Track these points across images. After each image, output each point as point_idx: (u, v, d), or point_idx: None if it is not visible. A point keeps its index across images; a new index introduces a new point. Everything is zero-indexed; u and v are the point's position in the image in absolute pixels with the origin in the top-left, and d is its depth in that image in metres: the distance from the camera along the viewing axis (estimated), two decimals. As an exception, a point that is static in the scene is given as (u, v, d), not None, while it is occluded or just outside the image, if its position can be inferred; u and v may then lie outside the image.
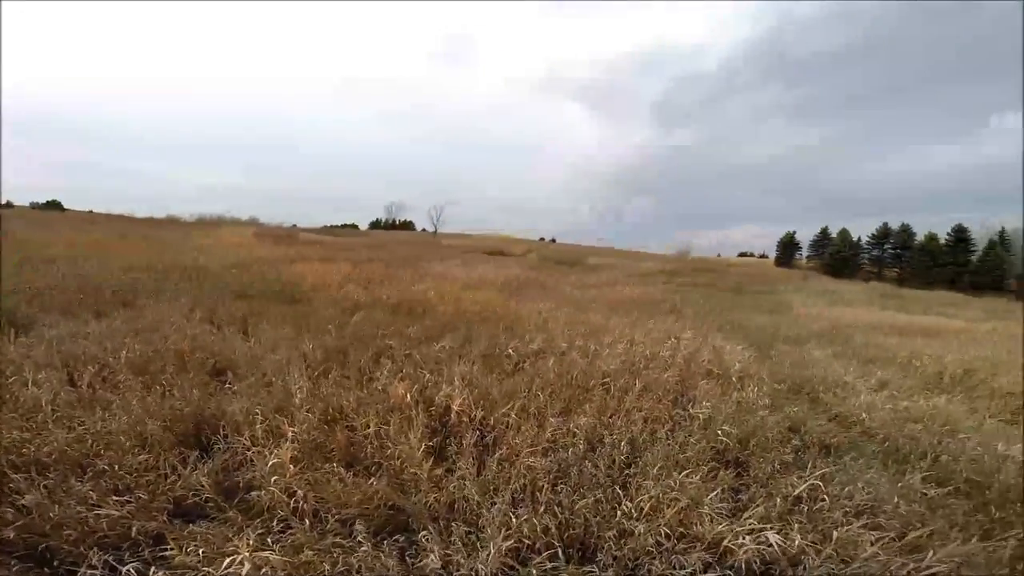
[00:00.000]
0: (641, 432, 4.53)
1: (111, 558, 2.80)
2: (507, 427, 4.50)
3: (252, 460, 3.75)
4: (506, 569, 2.90)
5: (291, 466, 3.54)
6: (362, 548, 2.91)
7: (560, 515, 3.34)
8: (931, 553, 3.00)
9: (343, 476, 3.60)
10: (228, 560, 2.67)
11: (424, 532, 3.11)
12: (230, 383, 5.15)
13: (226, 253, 17.73)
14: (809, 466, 4.09)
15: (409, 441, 3.95)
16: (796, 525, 3.26)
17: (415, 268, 19.35)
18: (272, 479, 3.43)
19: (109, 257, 13.87)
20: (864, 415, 5.76)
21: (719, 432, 4.59)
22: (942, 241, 62.25)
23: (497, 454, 4.06)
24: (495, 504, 3.38)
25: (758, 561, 3.00)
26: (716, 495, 3.53)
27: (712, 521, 3.25)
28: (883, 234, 67.60)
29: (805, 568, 2.96)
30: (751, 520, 3.27)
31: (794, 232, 75.96)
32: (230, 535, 2.93)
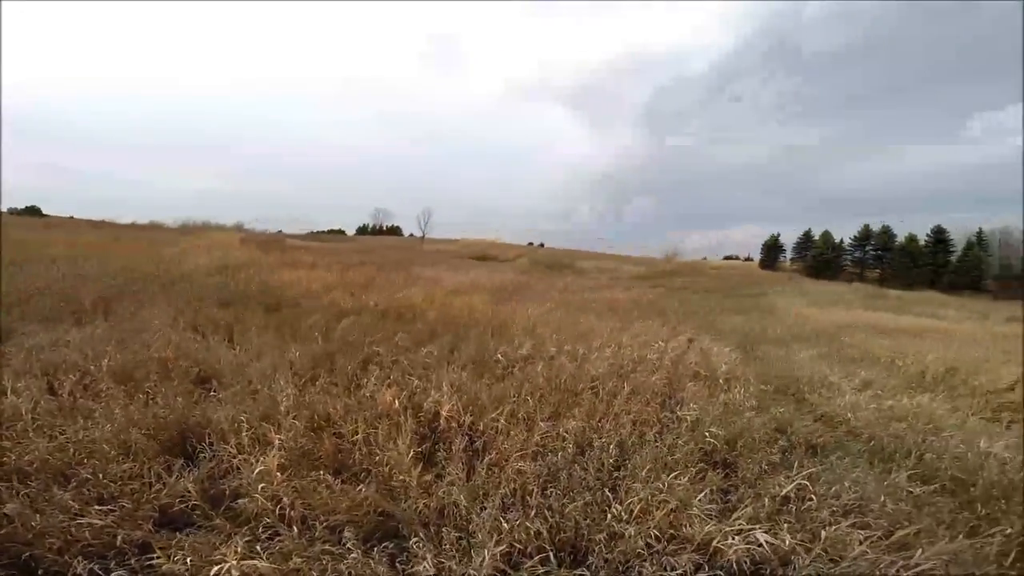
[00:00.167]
0: (630, 435, 4.54)
1: (97, 567, 2.75)
2: (496, 432, 4.48)
3: (239, 468, 3.71)
4: (498, 574, 2.88)
5: (278, 474, 3.51)
6: (351, 555, 2.88)
7: (550, 519, 3.33)
8: (919, 551, 3.03)
9: (331, 483, 3.57)
10: (215, 568, 2.64)
11: (415, 539, 3.09)
12: (215, 391, 5.09)
13: (210, 259, 17.52)
14: (796, 466, 4.13)
15: (397, 447, 3.92)
16: (785, 525, 3.28)
17: (402, 274, 19.27)
18: (259, 487, 3.39)
19: (92, 262, 13.67)
20: (849, 415, 5.83)
21: (707, 434, 4.62)
22: (922, 242, 63.40)
23: (487, 459, 4.05)
24: (485, 509, 3.36)
25: (748, 562, 3.02)
26: (705, 496, 3.55)
27: (701, 522, 3.26)
28: (864, 236, 68.69)
29: (795, 568, 2.98)
30: (740, 520, 3.29)
31: (778, 235, 76.92)
32: (217, 543, 2.90)
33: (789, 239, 75.84)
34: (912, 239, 64.32)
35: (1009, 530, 3.43)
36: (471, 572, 2.82)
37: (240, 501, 3.39)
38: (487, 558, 2.84)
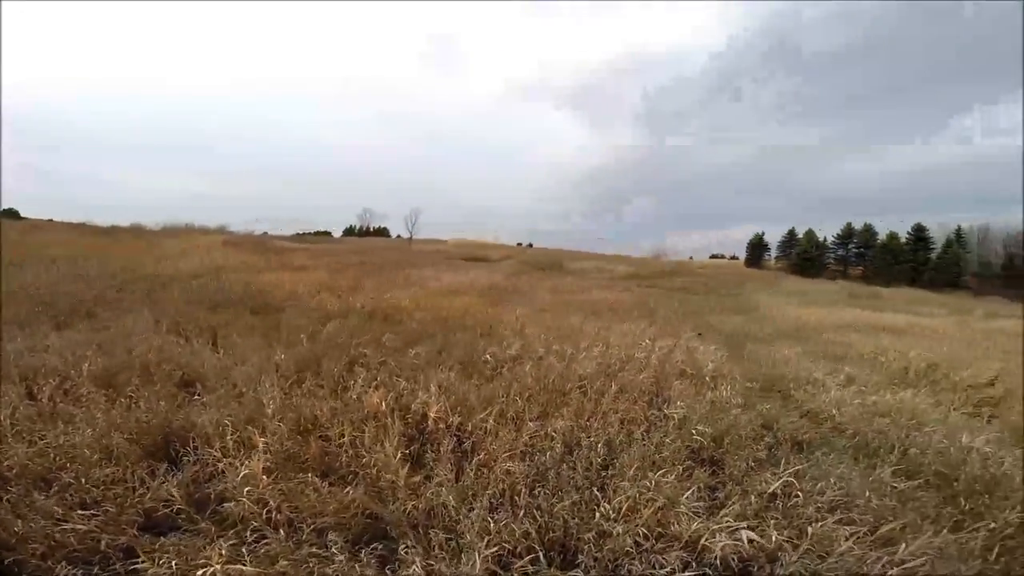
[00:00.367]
0: (618, 433, 4.55)
1: (81, 572, 2.75)
2: (485, 432, 4.47)
3: (224, 472, 3.68)
4: (489, 574, 2.87)
5: (263, 477, 3.48)
6: (339, 558, 2.86)
7: (540, 519, 3.33)
8: (904, 546, 3.07)
9: (318, 486, 3.53)
10: (200, 572, 2.62)
11: (404, 541, 3.08)
12: (199, 395, 5.02)
13: (194, 262, 17.31)
14: (783, 463, 4.16)
15: (384, 449, 3.89)
16: (772, 522, 3.31)
17: (390, 275, 19.18)
18: (244, 490, 3.37)
19: (73, 265, 13.45)
20: (834, 411, 5.88)
21: (694, 431, 4.64)
22: (903, 240, 64.41)
23: (475, 459, 4.03)
24: (473, 510, 3.35)
25: (735, 559, 3.03)
26: (692, 494, 3.56)
27: (689, 520, 3.28)
28: (847, 234, 69.66)
29: (782, 564, 3.00)
30: (727, 518, 3.31)
31: (762, 233, 77.65)
32: (202, 547, 2.89)
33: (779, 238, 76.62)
34: (893, 237, 65.34)
35: (993, 525, 3.48)
36: (461, 574, 2.81)
37: (226, 505, 3.36)
38: (478, 563, 2.83)
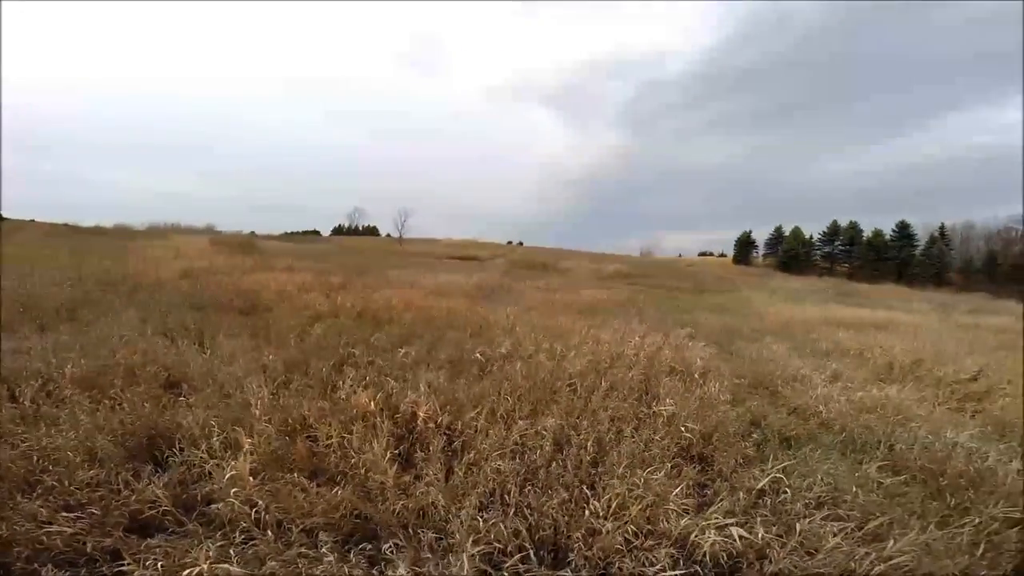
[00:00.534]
0: (607, 431, 4.55)
1: (67, 574, 2.74)
2: (475, 431, 4.46)
3: (210, 473, 3.64)
4: (479, 574, 2.86)
5: (250, 478, 3.45)
6: (328, 558, 2.85)
7: (530, 517, 3.33)
8: (891, 542, 3.09)
9: (306, 486, 3.51)
10: (187, 572, 2.60)
11: (392, 540, 3.07)
12: (185, 396, 4.96)
13: (180, 262, 17.11)
14: (771, 459, 4.18)
15: (373, 449, 3.87)
16: (760, 518, 3.33)
17: (379, 275, 19.09)
18: (231, 491, 3.33)
19: (55, 266, 13.23)
20: (821, 407, 5.93)
21: (683, 428, 4.65)
22: (887, 237, 65.27)
23: (465, 458, 4.02)
24: (463, 509, 3.34)
25: (725, 555, 3.05)
26: (681, 491, 3.57)
27: (678, 517, 3.29)
28: (833, 231, 70.44)
29: (771, 561, 3.01)
30: (716, 515, 3.32)
31: (750, 231, 78.30)
32: (189, 548, 2.87)
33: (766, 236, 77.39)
34: (878, 234, 66.25)
35: (978, 520, 3.52)
36: (450, 573, 2.80)
37: (213, 506, 3.33)
38: (465, 563, 2.82)
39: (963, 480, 4.22)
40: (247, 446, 3.79)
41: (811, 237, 72.23)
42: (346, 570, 2.81)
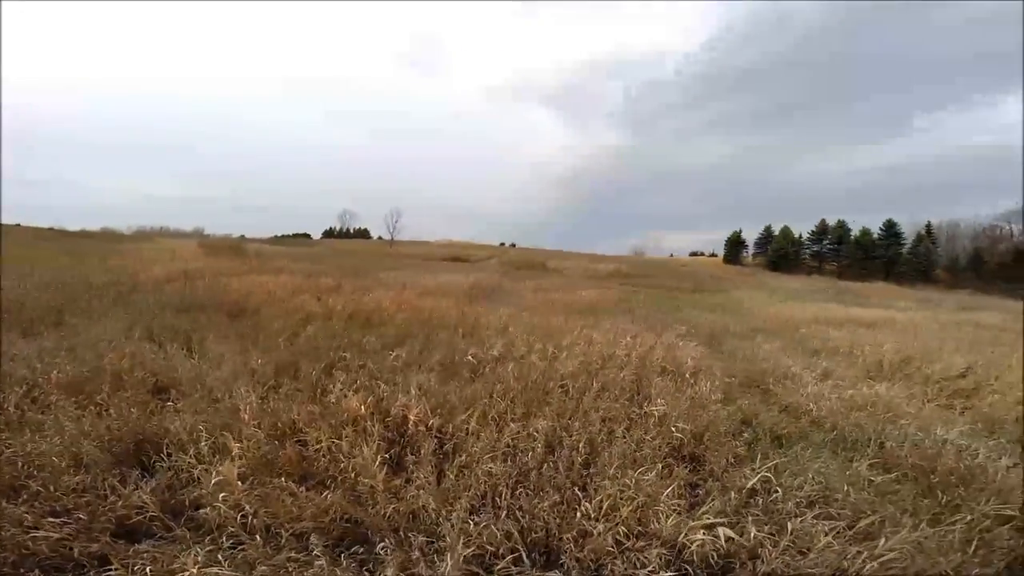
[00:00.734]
0: (599, 432, 4.54)
1: None
2: (467, 434, 4.43)
3: (198, 478, 3.60)
4: (471, 576, 2.85)
5: (239, 482, 3.42)
6: (318, 562, 2.84)
7: (521, 519, 3.31)
8: (883, 540, 3.09)
9: (295, 491, 3.48)
10: (175, 576, 2.57)
11: (382, 543, 3.06)
12: (172, 401, 4.91)
13: (168, 265, 16.95)
14: (761, 458, 4.19)
15: (363, 453, 3.84)
16: (751, 518, 3.33)
17: (371, 277, 19.01)
18: (220, 495, 3.31)
19: (41, 271, 13.08)
20: (812, 405, 5.95)
21: (674, 428, 4.65)
22: (875, 236, 65.88)
23: (457, 461, 4.00)
24: (454, 512, 3.32)
25: (716, 555, 3.04)
26: (672, 491, 3.56)
27: (669, 517, 3.28)
28: (821, 230, 70.98)
29: (763, 561, 3.01)
30: (707, 515, 3.32)
31: (740, 231, 78.73)
32: (178, 553, 2.86)
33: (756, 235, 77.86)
34: (866, 233, 66.84)
35: (969, 517, 3.53)
36: (438, 575, 2.80)
37: (201, 511, 3.31)
38: (450, 564, 2.81)
39: (954, 477, 4.23)
40: (236, 451, 3.76)
41: (800, 236, 72.79)
42: (337, 573, 2.81)
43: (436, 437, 4.42)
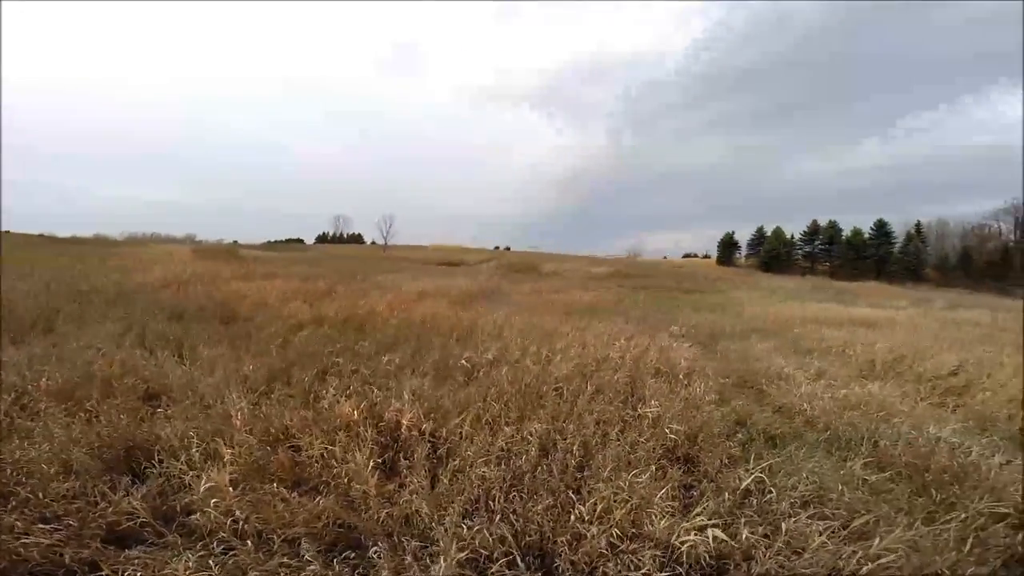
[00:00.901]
0: (593, 434, 4.53)
1: None
2: (460, 438, 4.42)
3: (190, 484, 3.57)
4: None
5: (230, 488, 3.41)
6: (311, 567, 2.84)
7: (515, 523, 3.30)
8: (878, 540, 3.09)
9: (287, 496, 3.46)
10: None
11: (375, 548, 3.05)
12: (163, 407, 4.87)
13: (160, 272, 16.83)
14: (755, 458, 4.19)
15: (355, 458, 3.81)
16: (745, 519, 3.32)
17: (364, 282, 18.94)
18: (211, 501, 3.30)
19: (24, 278, 12.96)
20: (805, 405, 5.96)
21: (667, 430, 4.64)
22: (866, 235, 66.37)
23: (450, 465, 3.98)
24: (447, 516, 3.31)
25: (709, 556, 3.03)
26: (666, 493, 3.56)
27: (662, 519, 3.27)
28: (813, 231, 71.41)
29: (758, 561, 3.00)
30: (701, 517, 3.31)
31: (733, 232, 79.14)
32: (169, 559, 2.85)
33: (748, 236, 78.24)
34: (857, 232, 67.35)
35: (964, 515, 3.54)
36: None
37: (192, 517, 3.29)
38: (443, 568, 2.81)
39: (947, 475, 4.23)
40: (227, 456, 3.75)
41: (792, 237, 73.23)
42: (331, 577, 2.79)
43: (430, 441, 4.40)
